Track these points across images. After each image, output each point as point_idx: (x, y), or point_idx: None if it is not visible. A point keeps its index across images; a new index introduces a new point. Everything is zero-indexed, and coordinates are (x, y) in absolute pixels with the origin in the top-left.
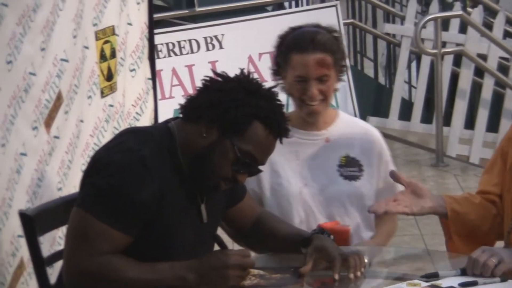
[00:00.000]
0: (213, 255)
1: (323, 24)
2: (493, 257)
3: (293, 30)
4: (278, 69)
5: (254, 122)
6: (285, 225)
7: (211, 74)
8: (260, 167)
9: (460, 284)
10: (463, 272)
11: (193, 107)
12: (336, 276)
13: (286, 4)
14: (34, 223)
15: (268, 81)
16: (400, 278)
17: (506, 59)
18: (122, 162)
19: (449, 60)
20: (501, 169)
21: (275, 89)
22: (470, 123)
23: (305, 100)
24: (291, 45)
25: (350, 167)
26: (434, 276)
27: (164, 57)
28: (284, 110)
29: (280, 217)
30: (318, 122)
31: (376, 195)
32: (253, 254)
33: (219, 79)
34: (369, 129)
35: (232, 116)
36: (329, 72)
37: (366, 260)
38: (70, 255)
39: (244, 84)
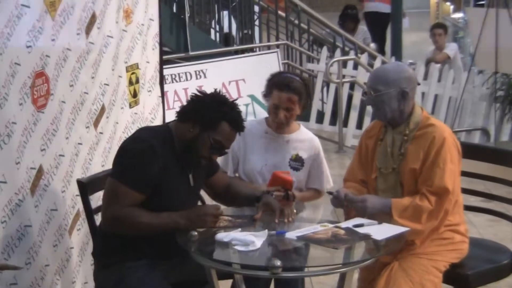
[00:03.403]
0: (197, 208)
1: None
2: (362, 203)
3: (280, 73)
4: (266, 95)
5: (223, 122)
6: (245, 188)
7: (197, 92)
8: (227, 150)
9: (353, 226)
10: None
11: (184, 112)
12: (276, 221)
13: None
14: (86, 187)
15: (233, 97)
16: (316, 222)
17: None
18: (138, 148)
19: (347, 86)
20: (358, 162)
21: (236, 101)
22: (359, 125)
23: (275, 119)
24: (275, 84)
25: (297, 161)
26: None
27: (169, 83)
28: (244, 116)
29: (247, 180)
30: (284, 130)
31: (308, 175)
32: (223, 207)
33: (201, 94)
34: (314, 139)
35: (208, 118)
36: (294, 106)
37: (295, 211)
38: (106, 207)
39: (216, 98)
